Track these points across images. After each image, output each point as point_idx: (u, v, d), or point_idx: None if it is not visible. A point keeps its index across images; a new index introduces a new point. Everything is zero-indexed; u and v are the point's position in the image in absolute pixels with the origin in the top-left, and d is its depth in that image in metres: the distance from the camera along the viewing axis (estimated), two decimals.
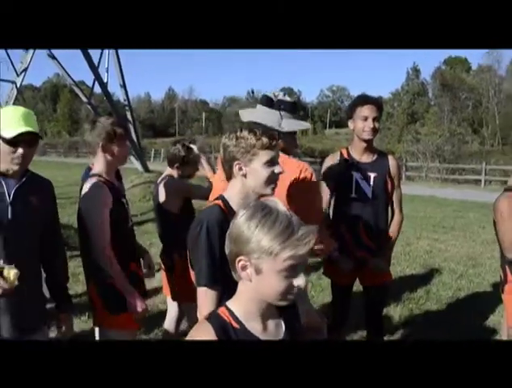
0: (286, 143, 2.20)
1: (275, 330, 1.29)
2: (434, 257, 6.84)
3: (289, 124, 2.22)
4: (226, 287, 1.46)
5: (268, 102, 2.23)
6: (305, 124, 2.47)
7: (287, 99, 2.27)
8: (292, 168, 2.13)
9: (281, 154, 2.08)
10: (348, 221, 2.87)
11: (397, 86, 59.63)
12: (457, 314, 4.53)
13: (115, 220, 2.33)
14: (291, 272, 1.16)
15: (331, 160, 2.97)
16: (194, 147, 3.18)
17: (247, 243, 1.17)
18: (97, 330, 2.55)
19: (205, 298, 1.58)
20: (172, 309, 3.27)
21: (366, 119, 2.75)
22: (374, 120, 2.75)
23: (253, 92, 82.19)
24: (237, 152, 1.67)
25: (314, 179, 2.20)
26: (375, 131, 2.77)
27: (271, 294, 1.20)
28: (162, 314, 3.54)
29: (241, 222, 1.19)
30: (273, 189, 1.72)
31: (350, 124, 2.84)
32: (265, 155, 1.66)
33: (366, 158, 2.86)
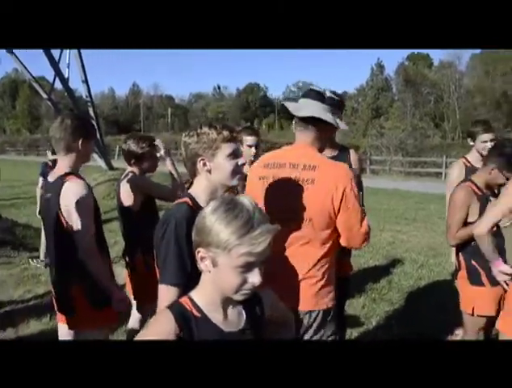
0: (326, 138, 2.19)
1: (237, 319, 1.32)
2: (396, 248, 7.03)
3: (341, 123, 2.23)
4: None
5: (320, 97, 2.14)
6: (343, 124, 2.49)
7: (336, 96, 2.27)
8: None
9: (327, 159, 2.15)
10: None
11: (362, 81, 60.62)
12: (417, 302, 4.68)
13: (96, 219, 2.37)
14: (246, 268, 1.19)
15: None
16: (158, 143, 3.12)
17: (207, 235, 1.19)
18: (63, 330, 2.45)
19: (166, 296, 1.55)
20: (134, 309, 3.23)
21: None
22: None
23: (219, 88, 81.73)
24: (199, 148, 1.66)
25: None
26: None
27: (226, 288, 1.23)
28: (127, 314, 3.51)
29: (205, 214, 1.22)
30: (239, 180, 1.73)
31: None
32: (227, 148, 1.67)
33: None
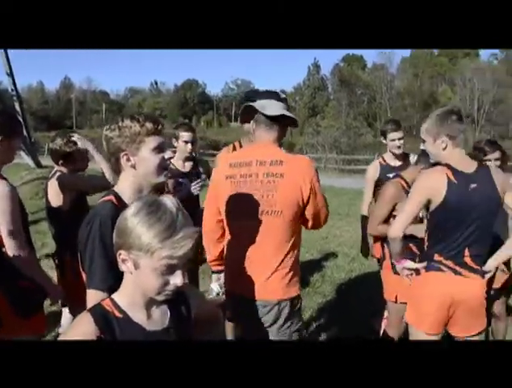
0: (283, 134, 2.23)
1: (161, 318, 1.32)
2: (329, 242, 7.22)
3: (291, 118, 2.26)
4: None
5: (279, 98, 2.21)
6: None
7: (284, 96, 2.31)
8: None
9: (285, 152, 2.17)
10: None
11: (299, 80, 61.79)
12: (348, 294, 4.84)
13: (22, 221, 2.26)
14: (168, 270, 1.19)
15: (223, 152, 3.03)
16: (78, 141, 2.96)
17: (128, 237, 1.18)
18: None
19: (94, 301, 1.46)
20: (66, 312, 3.11)
21: None
22: None
23: (156, 83, 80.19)
24: (121, 142, 1.58)
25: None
26: None
27: (148, 289, 1.23)
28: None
29: (127, 216, 1.19)
30: (166, 176, 1.67)
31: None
32: (152, 141, 1.59)
33: None
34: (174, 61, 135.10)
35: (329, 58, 71.37)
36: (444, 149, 2.32)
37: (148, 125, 1.58)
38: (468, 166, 2.30)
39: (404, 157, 3.75)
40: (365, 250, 3.90)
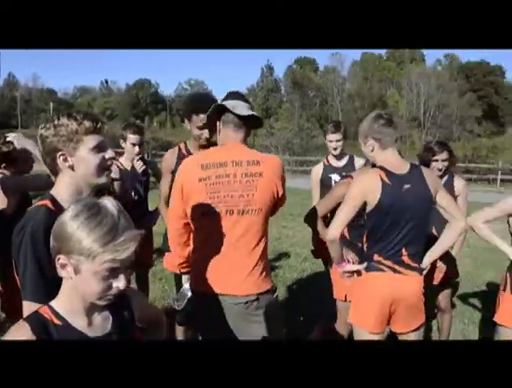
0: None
1: (102, 324, 1.28)
2: (282, 243, 7.29)
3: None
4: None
5: (244, 99, 2.26)
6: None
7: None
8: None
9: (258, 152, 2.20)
10: None
11: (253, 82, 62.07)
12: (299, 294, 4.90)
13: None
14: (111, 274, 1.16)
15: (170, 154, 2.97)
16: (14, 140, 2.79)
17: (68, 242, 1.13)
18: None
19: (28, 312, 1.36)
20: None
21: (202, 128, 2.77)
22: (210, 129, 2.78)
23: (107, 82, 78.15)
24: (58, 142, 1.48)
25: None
26: (210, 138, 2.81)
27: (90, 294, 1.19)
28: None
29: (65, 220, 1.14)
30: (107, 176, 1.59)
31: (187, 125, 2.84)
32: (91, 140, 1.50)
33: None
34: (126, 60, 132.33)
35: (282, 60, 72.25)
36: (372, 151, 2.43)
37: (87, 123, 1.49)
38: (401, 167, 2.38)
39: (349, 158, 3.84)
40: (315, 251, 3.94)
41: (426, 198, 2.36)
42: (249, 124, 2.19)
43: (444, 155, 3.30)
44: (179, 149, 2.96)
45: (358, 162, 3.85)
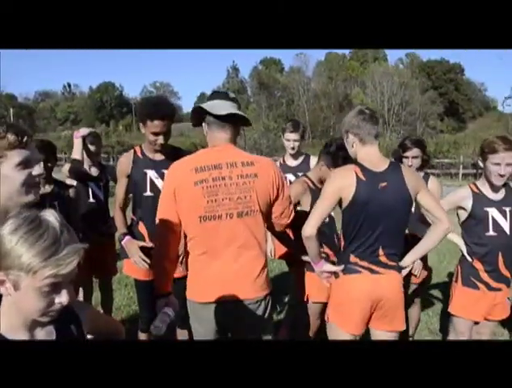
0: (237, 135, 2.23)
1: (45, 338, 1.23)
2: None
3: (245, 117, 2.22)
4: None
5: (227, 97, 2.20)
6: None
7: (233, 95, 2.26)
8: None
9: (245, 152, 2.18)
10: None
11: (219, 83, 61.89)
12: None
13: None
14: (53, 289, 1.11)
15: (125, 158, 2.93)
16: None
17: (6, 258, 1.07)
18: None
19: None
20: None
21: (157, 134, 2.73)
22: (165, 134, 2.75)
23: (69, 86, 76.39)
24: None
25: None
26: (164, 144, 2.78)
27: (30, 311, 1.14)
28: None
29: (3, 234, 1.08)
30: (36, 194, 1.46)
31: (142, 128, 2.78)
32: (15, 156, 1.37)
33: (159, 157, 2.88)
34: (88, 63, 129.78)
35: (248, 61, 72.38)
36: (352, 146, 2.40)
37: (10, 137, 1.36)
38: (379, 164, 2.35)
39: (305, 157, 3.85)
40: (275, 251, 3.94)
41: (403, 197, 2.32)
42: (234, 122, 2.14)
43: (414, 152, 3.30)
44: (135, 153, 2.91)
45: (314, 161, 3.87)
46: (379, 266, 2.34)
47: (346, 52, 60.36)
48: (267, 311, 2.19)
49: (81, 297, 3.78)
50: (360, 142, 2.37)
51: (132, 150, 2.93)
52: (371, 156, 2.37)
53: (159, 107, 2.72)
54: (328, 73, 54.80)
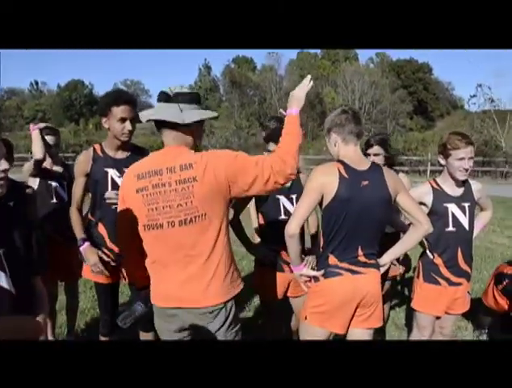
0: (194, 134, 2.06)
1: None
2: None
3: (190, 115, 2.01)
4: None
5: (165, 97, 2.04)
6: (210, 113, 2.19)
7: (185, 90, 2.07)
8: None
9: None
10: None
11: (190, 81, 61.42)
12: None
13: None
14: None
15: (84, 156, 2.86)
16: None
17: None
18: None
19: None
20: None
21: (125, 119, 2.68)
22: (132, 120, 2.71)
23: (37, 83, 74.42)
24: None
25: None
26: (132, 132, 2.73)
27: None
28: None
29: None
30: (1, 187, 1.47)
31: (105, 123, 2.74)
32: None
33: (120, 155, 2.84)
34: (56, 60, 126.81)
35: (219, 59, 72.10)
36: (335, 145, 2.41)
37: None
38: (361, 163, 2.37)
39: None
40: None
41: (384, 197, 2.33)
42: (171, 125, 2.01)
43: (375, 150, 3.34)
44: (94, 150, 2.85)
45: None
46: (359, 266, 2.35)
47: (318, 51, 60.83)
48: (228, 319, 2.09)
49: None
50: (342, 141, 2.38)
51: (92, 148, 2.88)
52: (353, 155, 2.37)
53: (122, 92, 2.78)
54: (300, 72, 55.01)
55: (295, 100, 2.15)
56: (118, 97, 2.70)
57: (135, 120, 2.71)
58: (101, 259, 2.80)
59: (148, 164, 2.06)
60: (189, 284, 2.02)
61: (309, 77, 2.22)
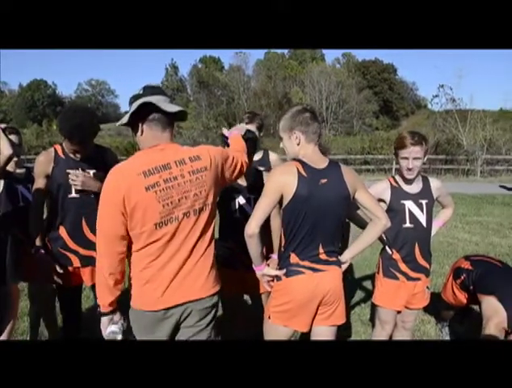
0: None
1: None
2: None
3: (173, 107, 2.05)
4: None
5: (165, 93, 2.12)
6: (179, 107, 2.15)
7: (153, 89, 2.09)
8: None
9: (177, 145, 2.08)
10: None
11: (157, 81, 60.76)
12: None
13: None
14: None
15: (45, 157, 2.80)
16: None
17: None
18: None
19: None
20: None
21: (76, 152, 2.73)
22: (84, 151, 2.75)
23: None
24: None
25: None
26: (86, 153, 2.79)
27: None
28: None
29: None
30: None
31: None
32: None
33: (79, 157, 2.81)
34: (17, 59, 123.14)
35: (186, 59, 71.61)
36: (298, 144, 2.39)
37: None
38: (320, 162, 2.38)
39: (263, 152, 3.83)
40: None
41: (343, 194, 2.35)
42: (174, 119, 2.09)
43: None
44: (55, 152, 2.79)
45: (272, 156, 3.84)
46: (320, 263, 2.36)
47: (285, 51, 61.26)
48: (218, 308, 2.22)
49: None
50: (306, 140, 2.38)
51: (52, 149, 2.81)
52: (312, 154, 2.39)
53: (78, 130, 2.62)
54: (267, 72, 55.30)
55: (236, 129, 2.62)
56: (72, 136, 2.64)
57: (87, 148, 2.75)
58: (59, 264, 2.77)
59: (151, 161, 1.98)
60: (194, 274, 2.07)
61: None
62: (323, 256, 2.37)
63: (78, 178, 2.68)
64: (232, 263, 2.95)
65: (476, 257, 3.53)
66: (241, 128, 2.66)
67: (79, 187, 2.69)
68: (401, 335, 3.14)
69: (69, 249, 2.80)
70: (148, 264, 2.01)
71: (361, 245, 2.56)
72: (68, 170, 2.72)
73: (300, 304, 2.36)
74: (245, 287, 3.02)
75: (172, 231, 1.99)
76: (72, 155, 2.76)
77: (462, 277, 3.40)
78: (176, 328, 2.11)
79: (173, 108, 2.03)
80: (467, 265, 3.39)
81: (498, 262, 3.40)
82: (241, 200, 2.93)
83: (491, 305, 2.98)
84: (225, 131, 2.65)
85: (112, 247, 1.95)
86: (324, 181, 2.31)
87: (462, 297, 3.53)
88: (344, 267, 2.55)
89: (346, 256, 2.54)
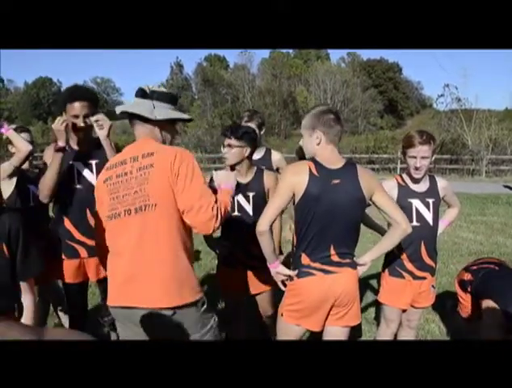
0: (164, 132, 2.10)
1: None
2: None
3: (161, 113, 2.04)
4: None
5: (142, 93, 2.10)
6: (180, 114, 2.22)
7: (162, 90, 2.13)
8: (167, 154, 1.98)
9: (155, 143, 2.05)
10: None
11: (162, 79, 60.82)
12: (210, 291, 4.87)
13: None
14: None
15: (50, 150, 2.84)
16: None
17: None
18: None
19: None
20: None
21: (77, 117, 2.69)
22: (85, 117, 2.71)
23: (2, 81, 72.32)
24: None
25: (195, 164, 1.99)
26: (84, 128, 2.76)
27: None
28: None
29: None
30: None
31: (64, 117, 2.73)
32: None
33: (84, 148, 2.86)
34: (23, 57, 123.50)
35: (192, 58, 71.59)
36: (318, 143, 2.37)
37: None
38: (335, 162, 2.36)
39: (266, 151, 3.83)
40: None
41: (356, 195, 2.32)
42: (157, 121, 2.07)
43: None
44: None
45: (275, 155, 3.80)
46: (332, 265, 2.34)
47: (290, 50, 61.20)
48: (175, 328, 1.96)
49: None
50: (326, 141, 2.36)
51: (54, 143, 2.86)
52: (331, 155, 2.37)
53: (76, 88, 2.79)
54: (272, 71, 55.23)
55: (225, 182, 2.31)
56: (72, 94, 2.73)
57: (89, 116, 2.72)
58: (66, 256, 2.85)
59: (118, 156, 2.15)
60: (142, 278, 1.94)
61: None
62: (335, 258, 2.34)
63: (106, 122, 2.66)
64: (231, 261, 2.98)
65: (474, 266, 3.48)
66: (230, 179, 2.26)
67: (105, 132, 2.66)
68: (406, 334, 3.15)
69: (76, 240, 2.83)
70: (109, 258, 2.10)
71: (381, 249, 2.57)
72: (95, 116, 2.67)
73: (311, 305, 2.36)
74: (245, 286, 3.04)
75: (118, 227, 2.01)
76: (76, 141, 2.80)
77: (468, 289, 3.37)
78: (135, 330, 2.01)
79: (117, 110, 2.12)
80: (468, 276, 3.37)
81: (496, 265, 3.34)
82: (240, 198, 2.93)
83: (488, 305, 2.97)
84: (214, 175, 2.36)
85: (99, 231, 2.18)
86: (336, 181, 2.30)
87: (476, 308, 3.48)
88: (363, 269, 2.54)
89: (366, 259, 2.53)
